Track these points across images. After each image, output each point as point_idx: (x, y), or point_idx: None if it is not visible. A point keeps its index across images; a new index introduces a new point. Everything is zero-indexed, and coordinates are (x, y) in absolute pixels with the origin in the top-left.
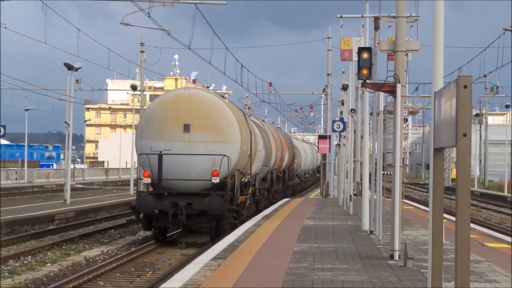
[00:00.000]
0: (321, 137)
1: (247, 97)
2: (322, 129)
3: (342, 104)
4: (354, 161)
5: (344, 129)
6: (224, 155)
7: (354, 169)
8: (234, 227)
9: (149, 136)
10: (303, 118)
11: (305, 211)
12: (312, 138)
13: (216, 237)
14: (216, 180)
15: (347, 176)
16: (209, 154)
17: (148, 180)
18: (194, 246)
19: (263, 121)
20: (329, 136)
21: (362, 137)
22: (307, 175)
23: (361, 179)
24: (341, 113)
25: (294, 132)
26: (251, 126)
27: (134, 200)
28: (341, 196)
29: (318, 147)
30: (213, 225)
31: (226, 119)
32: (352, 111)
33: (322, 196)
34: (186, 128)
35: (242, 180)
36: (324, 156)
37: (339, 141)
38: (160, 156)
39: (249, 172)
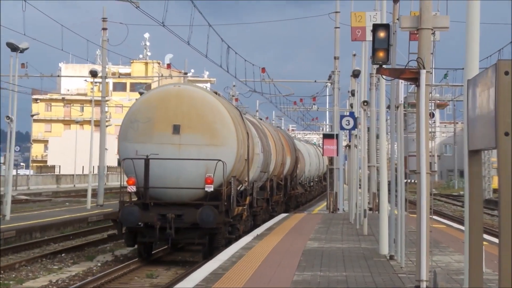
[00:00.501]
0: (326, 136)
1: (234, 86)
2: (327, 126)
3: (353, 95)
4: (368, 166)
5: (355, 127)
6: (219, 160)
7: (369, 177)
8: (228, 243)
9: (134, 138)
10: (304, 113)
11: (307, 229)
12: (316, 137)
13: (209, 255)
14: (210, 188)
15: (360, 185)
16: (202, 158)
17: (133, 189)
18: (180, 265)
19: (261, 119)
20: (337, 135)
21: (377, 136)
22: (312, 184)
23: (378, 190)
24: (351, 106)
25: (292, 130)
26: (247, 126)
27: (113, 211)
28: (353, 211)
29: (323, 149)
30: (206, 240)
31: (221, 119)
32: (365, 103)
33: (329, 211)
34: (176, 129)
35: (238, 188)
36: (330, 161)
37: (349, 141)
38: (147, 161)
39: (245, 179)
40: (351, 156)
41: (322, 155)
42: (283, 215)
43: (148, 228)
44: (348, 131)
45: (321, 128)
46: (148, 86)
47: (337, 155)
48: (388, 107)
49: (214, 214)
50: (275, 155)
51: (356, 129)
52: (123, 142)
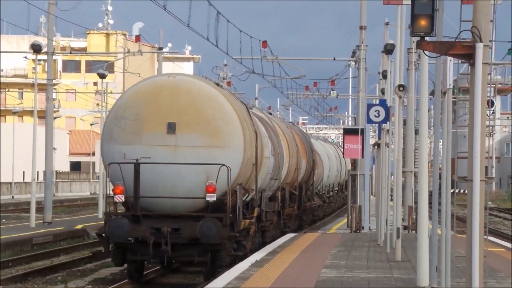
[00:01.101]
0: (348, 132)
1: (225, 65)
2: (350, 118)
3: (384, 77)
4: (403, 172)
5: (387, 119)
6: (223, 165)
7: (404, 186)
8: (233, 261)
9: (121, 139)
10: (319, 101)
11: (323, 253)
12: (334, 133)
13: (211, 275)
14: (212, 197)
15: (392, 197)
16: (202, 163)
17: (121, 198)
18: None
19: (270, 113)
20: (362, 130)
21: (416, 132)
22: (331, 194)
23: (415, 202)
24: (383, 92)
25: (304, 124)
26: (255, 124)
27: (99, 225)
28: (382, 230)
29: (343, 148)
30: (208, 258)
31: (224, 115)
32: (401, 88)
33: (351, 230)
34: (171, 128)
35: (244, 198)
36: (353, 164)
37: (379, 138)
38: (137, 166)
39: (253, 187)
40: (380, 158)
41: (343, 157)
42: (290, 235)
43: (139, 244)
44: (377, 125)
45: (341, 121)
46: (110, 65)
47: (362, 156)
48: (432, 93)
49: (217, 228)
50: (288, 158)
51: (388, 122)
52: (108, 143)
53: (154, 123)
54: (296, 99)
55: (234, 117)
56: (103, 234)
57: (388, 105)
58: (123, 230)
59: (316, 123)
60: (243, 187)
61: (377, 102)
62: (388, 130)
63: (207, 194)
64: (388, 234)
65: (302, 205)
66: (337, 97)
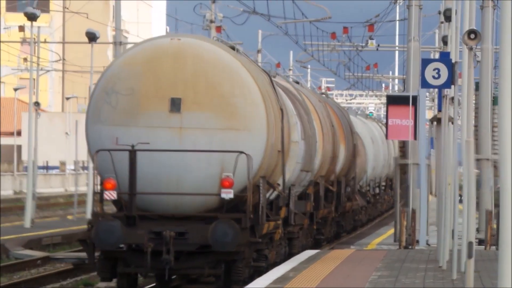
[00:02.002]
0: (393, 100)
1: (213, 1)
2: (395, 80)
3: (447, 19)
4: (477, 160)
5: (451, 82)
6: (241, 152)
7: (480, 181)
8: (255, 274)
9: (112, 120)
10: (351, 55)
11: (358, 279)
12: (373, 103)
13: None
14: (228, 194)
15: (461, 197)
16: (215, 150)
17: (113, 195)
18: None
19: (297, 82)
20: (415, 98)
21: (495, 100)
22: (377, 191)
23: (496, 205)
24: (444, 41)
25: (328, 89)
26: (281, 99)
27: (84, 228)
28: (446, 246)
29: (386, 126)
30: (222, 270)
31: (244, 90)
32: (473, 36)
33: (400, 245)
34: (175, 105)
35: (268, 195)
36: (402, 149)
37: (439, 110)
38: (132, 153)
39: (278, 182)
40: (442, 140)
41: (386, 138)
42: (309, 252)
43: (134, 253)
44: (436, 90)
45: (383, 86)
46: (43, 2)
47: (415, 138)
48: None
49: (234, 232)
50: (322, 143)
51: (453, 86)
52: (95, 124)
53: (153, 99)
54: (318, 53)
55: (256, 91)
56: (88, 240)
57: (453, 61)
58: (114, 235)
59: (347, 88)
60: (267, 181)
61: (437, 56)
62: (453, 99)
63: (222, 190)
64: (455, 251)
65: (341, 205)
66: (377, 50)
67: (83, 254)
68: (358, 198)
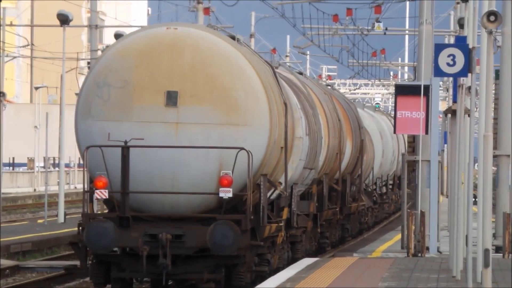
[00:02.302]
0: (402, 91)
1: None
2: (405, 68)
3: (464, 0)
4: (496, 156)
5: (468, 70)
6: (242, 149)
7: (498, 180)
8: (257, 279)
9: (104, 114)
10: (355, 39)
11: None
12: (379, 93)
13: None
14: (227, 193)
15: (475, 198)
16: (214, 146)
17: (104, 194)
18: None
19: (300, 73)
20: (426, 88)
21: None
22: (384, 190)
23: None
24: (461, 24)
25: (330, 78)
26: (285, 92)
27: (79, 230)
28: (460, 253)
29: (395, 118)
30: (222, 275)
31: (245, 82)
32: (492, 18)
33: (408, 253)
34: (171, 98)
35: (269, 195)
36: (411, 144)
37: (454, 101)
38: (125, 150)
39: (280, 180)
40: (457, 134)
41: (394, 132)
42: (307, 261)
43: (128, 257)
44: (451, 79)
45: (391, 74)
46: None
47: (426, 132)
48: None
49: (234, 234)
50: (328, 138)
51: (470, 74)
52: (85, 119)
53: (148, 91)
54: (318, 37)
55: (258, 84)
56: (79, 244)
57: (470, 46)
58: (107, 237)
59: (350, 77)
60: (268, 179)
61: (452, 41)
62: (469, 88)
63: (220, 189)
64: (470, 260)
65: (346, 206)
66: (385, 34)
67: (56, 263)
68: (364, 198)
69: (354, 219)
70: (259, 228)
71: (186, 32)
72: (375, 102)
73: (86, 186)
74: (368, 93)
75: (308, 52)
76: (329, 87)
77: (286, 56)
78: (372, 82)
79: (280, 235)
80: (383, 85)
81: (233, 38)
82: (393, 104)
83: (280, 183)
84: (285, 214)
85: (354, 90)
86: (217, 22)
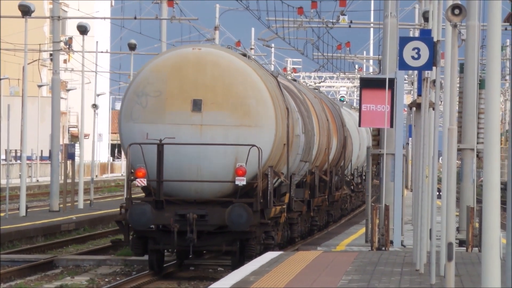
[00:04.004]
0: (367, 84)
1: None
2: (370, 61)
3: None
4: (460, 150)
5: (432, 63)
6: (253, 145)
7: (462, 174)
8: (264, 250)
9: (142, 118)
10: (320, 33)
11: (326, 284)
12: (345, 87)
13: (239, 264)
14: (242, 181)
15: (439, 192)
16: (231, 144)
17: (143, 182)
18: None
19: (294, 80)
20: (391, 81)
21: (482, 84)
22: (360, 181)
23: (479, 201)
24: (425, 18)
25: (295, 71)
26: (287, 99)
27: (121, 211)
28: (423, 247)
29: (360, 111)
30: (237, 247)
31: (255, 91)
32: (457, 12)
33: (372, 247)
34: (196, 105)
35: (274, 183)
36: (376, 137)
37: (419, 95)
38: (160, 146)
39: (282, 171)
40: (421, 127)
41: (359, 125)
42: (272, 254)
43: (162, 233)
44: (417, 71)
45: (356, 67)
46: None
47: (391, 126)
48: (509, 19)
49: (248, 214)
50: (319, 136)
51: (435, 68)
52: (128, 122)
53: (178, 100)
54: (283, 30)
55: (266, 93)
56: (123, 222)
57: (435, 40)
58: (146, 216)
59: (315, 70)
60: (274, 170)
61: (417, 34)
62: (434, 82)
63: (236, 178)
64: (434, 253)
65: (332, 195)
66: (349, 27)
67: (17, 256)
68: (345, 187)
69: (336, 206)
70: (266, 210)
71: (208, 52)
72: (340, 96)
73: (128, 176)
74: (333, 86)
75: (273, 45)
76: (316, 90)
77: (251, 49)
78: (337, 75)
79: (283, 216)
80: (348, 78)
81: (244, 55)
82: (358, 98)
83: (282, 173)
84: (286, 198)
85: (319, 83)
86: (181, 14)
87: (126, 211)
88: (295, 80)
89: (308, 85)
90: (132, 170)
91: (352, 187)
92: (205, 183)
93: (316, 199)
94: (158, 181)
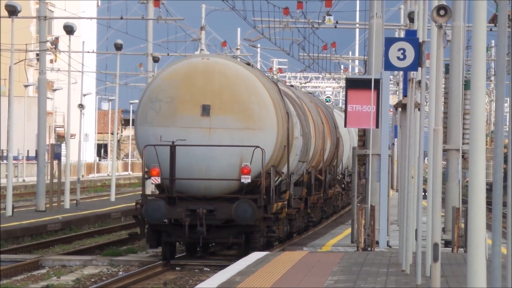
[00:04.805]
0: (353, 84)
1: None
2: (356, 62)
3: None
4: (445, 150)
5: (418, 63)
6: (257, 147)
7: (447, 174)
8: (267, 244)
9: (156, 121)
10: (306, 33)
11: (312, 284)
12: (330, 87)
13: (244, 255)
14: (247, 179)
15: (425, 193)
16: (237, 145)
17: (157, 180)
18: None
19: (291, 85)
20: (377, 82)
21: (467, 85)
22: (350, 180)
23: (464, 202)
24: (411, 18)
25: (280, 71)
26: (286, 103)
27: (137, 206)
28: (409, 248)
29: (346, 111)
30: (242, 240)
31: (258, 97)
32: (442, 12)
33: (358, 247)
34: (205, 110)
35: (276, 181)
36: (362, 138)
37: (404, 95)
38: (173, 148)
39: (283, 170)
40: (407, 128)
41: (344, 126)
42: (257, 255)
43: (174, 226)
44: (402, 72)
45: (341, 68)
46: None
47: (377, 126)
48: (494, 20)
49: (252, 209)
50: (315, 138)
51: (420, 68)
52: (143, 125)
53: (188, 105)
54: (269, 30)
55: (268, 99)
56: (139, 216)
57: (420, 40)
58: (160, 212)
59: (301, 70)
60: (275, 169)
61: (402, 35)
62: (420, 82)
63: (242, 176)
64: (419, 254)
65: (325, 192)
66: (335, 27)
67: (4, 256)
68: (337, 185)
69: (329, 203)
70: (269, 205)
71: (215, 61)
72: (325, 96)
73: (144, 174)
74: (319, 87)
75: (259, 45)
76: (310, 94)
77: (237, 49)
78: (323, 76)
79: (284, 212)
80: (334, 79)
81: (248, 64)
82: (344, 98)
83: (283, 173)
84: (287, 195)
85: (305, 83)
86: (167, 14)
87: (142, 207)
88: (292, 86)
89: (300, 87)
90: (146, 169)
91: (343, 185)
92: (213, 181)
93: (312, 197)
94: (171, 179)
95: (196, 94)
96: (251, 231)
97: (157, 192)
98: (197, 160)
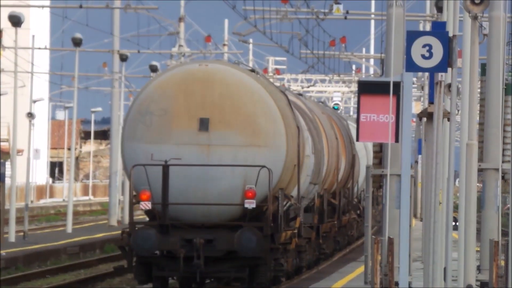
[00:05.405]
0: (366, 89)
1: None
2: (370, 61)
3: None
4: (481, 170)
5: (447, 64)
6: (263, 166)
7: (483, 199)
8: (275, 280)
9: (146, 138)
10: (310, 25)
11: None
12: (339, 91)
13: None
14: (251, 204)
15: (456, 222)
16: (239, 165)
17: (148, 206)
18: None
19: (300, 94)
20: (396, 85)
21: (505, 88)
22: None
23: (504, 234)
24: (438, 7)
25: (278, 72)
26: (296, 116)
27: (122, 235)
28: None
29: (358, 123)
30: (246, 274)
31: (265, 110)
32: (477, 1)
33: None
34: (203, 124)
35: (284, 206)
36: (377, 155)
37: (430, 102)
38: (166, 168)
39: (292, 193)
40: (435, 142)
41: (356, 140)
42: None
43: (167, 258)
44: (428, 74)
45: (353, 68)
46: None
47: (396, 140)
48: None
49: (258, 239)
50: (328, 156)
51: (450, 69)
52: (131, 142)
53: (183, 119)
54: (263, 22)
55: (276, 111)
56: (126, 247)
57: (451, 35)
58: (150, 241)
59: (303, 71)
60: (284, 193)
61: (428, 28)
62: (450, 86)
63: (245, 200)
64: None
65: (339, 220)
66: (345, 18)
67: None
68: (352, 211)
69: (344, 232)
70: (277, 234)
71: (215, 68)
72: (333, 103)
73: (131, 198)
74: (325, 91)
75: (251, 40)
76: (321, 103)
77: (224, 45)
78: (329, 78)
79: (294, 241)
80: (344, 82)
81: (253, 71)
82: (356, 105)
83: (292, 196)
84: (297, 223)
85: (308, 87)
86: (137, 2)
87: (129, 236)
88: (301, 95)
89: (299, 92)
90: (135, 193)
91: (358, 212)
92: (212, 206)
93: (325, 225)
94: (163, 204)
95: (192, 105)
96: (256, 264)
97: (147, 219)
98: (194, 182)
